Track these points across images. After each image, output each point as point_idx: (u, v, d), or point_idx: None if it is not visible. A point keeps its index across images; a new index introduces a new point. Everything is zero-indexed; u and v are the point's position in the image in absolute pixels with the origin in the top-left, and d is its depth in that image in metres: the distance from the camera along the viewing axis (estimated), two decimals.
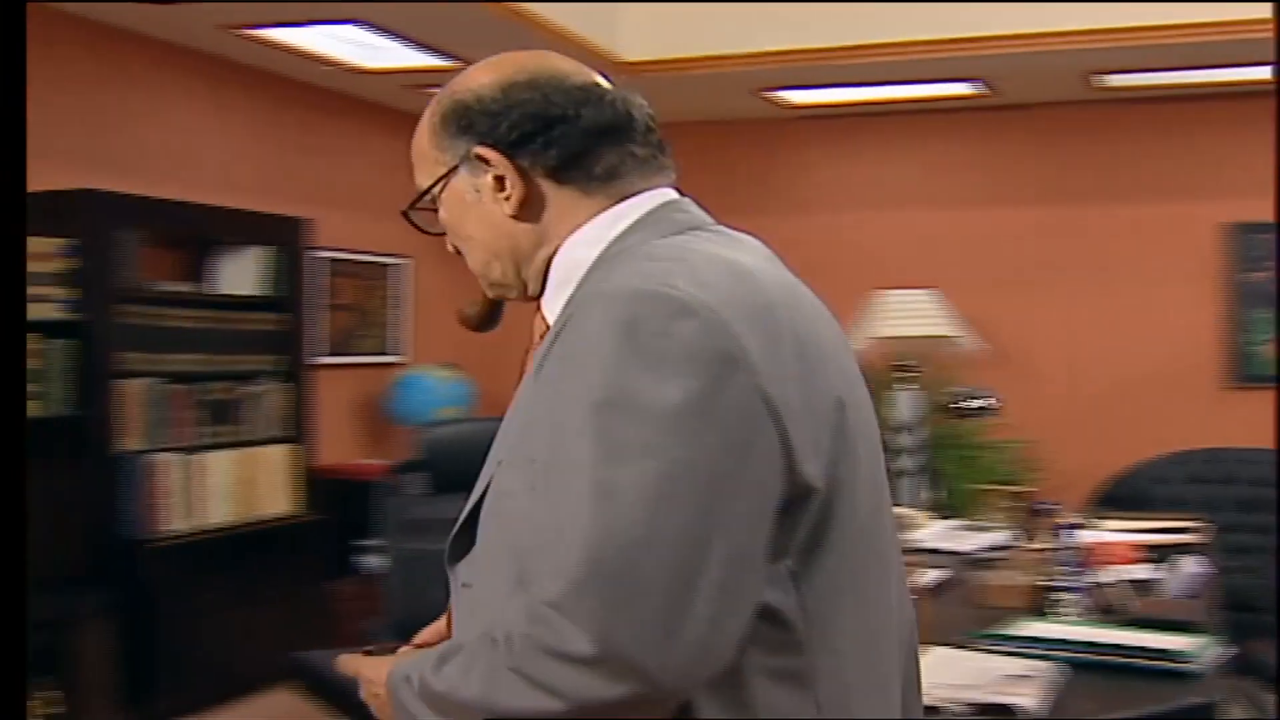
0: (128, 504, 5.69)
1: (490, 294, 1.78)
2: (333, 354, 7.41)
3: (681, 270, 1.50)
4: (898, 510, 5.12)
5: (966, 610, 3.44)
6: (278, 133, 7.10)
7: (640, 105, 1.69)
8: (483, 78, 1.70)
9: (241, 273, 6.46)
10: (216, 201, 6.36)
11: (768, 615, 1.45)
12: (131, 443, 5.75)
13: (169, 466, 5.86)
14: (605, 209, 1.64)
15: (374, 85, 7.12)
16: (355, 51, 6.53)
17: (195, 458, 6.00)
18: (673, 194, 1.71)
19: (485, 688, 1.44)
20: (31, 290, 5.34)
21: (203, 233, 6.45)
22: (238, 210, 6.42)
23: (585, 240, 1.63)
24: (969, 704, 2.37)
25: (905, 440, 6.85)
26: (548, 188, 1.64)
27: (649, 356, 1.41)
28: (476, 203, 1.68)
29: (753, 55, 6.69)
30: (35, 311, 5.37)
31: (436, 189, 1.72)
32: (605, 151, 1.64)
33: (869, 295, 7.16)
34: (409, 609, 4.10)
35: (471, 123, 1.66)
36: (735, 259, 1.57)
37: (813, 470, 1.47)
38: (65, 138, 5.90)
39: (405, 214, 1.79)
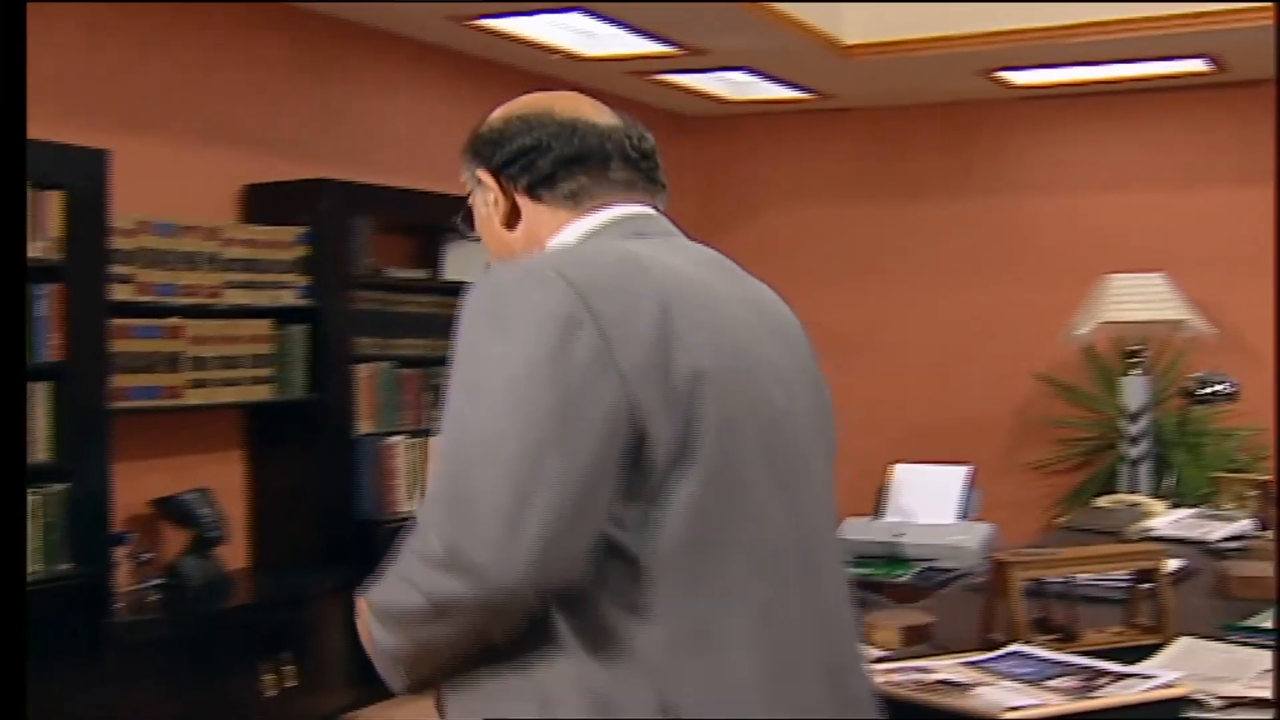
0: (361, 486, 5.84)
1: None
2: None
3: (568, 257, 1.85)
4: (1131, 498, 5.03)
5: (1211, 601, 3.34)
6: None
7: (625, 140, 2.03)
8: (496, 114, 2.09)
9: (470, 259, 6.57)
10: (446, 189, 6.47)
11: (621, 553, 1.72)
12: (365, 426, 5.89)
13: (400, 449, 6.00)
14: (577, 219, 1.99)
15: (596, 72, 7.17)
16: (577, 39, 6.59)
17: (425, 440, 6.14)
18: (636, 209, 2.01)
19: (388, 592, 1.86)
20: (268, 277, 5.51)
21: (432, 219, 6.57)
22: (466, 197, 6.53)
23: (559, 243, 1.97)
24: (1225, 697, 2.30)
25: (1133, 427, 6.70)
26: (525, 203, 2.01)
27: (505, 318, 1.74)
28: (487, 216, 2.06)
29: (978, 35, 6.59)
30: (272, 298, 5.54)
31: (469, 202, 2.12)
32: (576, 175, 1.99)
33: (1098, 279, 7.00)
34: None
35: (479, 151, 2.06)
36: (637, 253, 1.86)
37: (658, 428, 1.71)
38: (299, 129, 6.07)
39: (457, 223, 2.21)
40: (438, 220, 6.56)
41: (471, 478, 1.67)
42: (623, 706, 1.71)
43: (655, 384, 1.72)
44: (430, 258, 6.61)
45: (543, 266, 1.79)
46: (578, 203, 1.99)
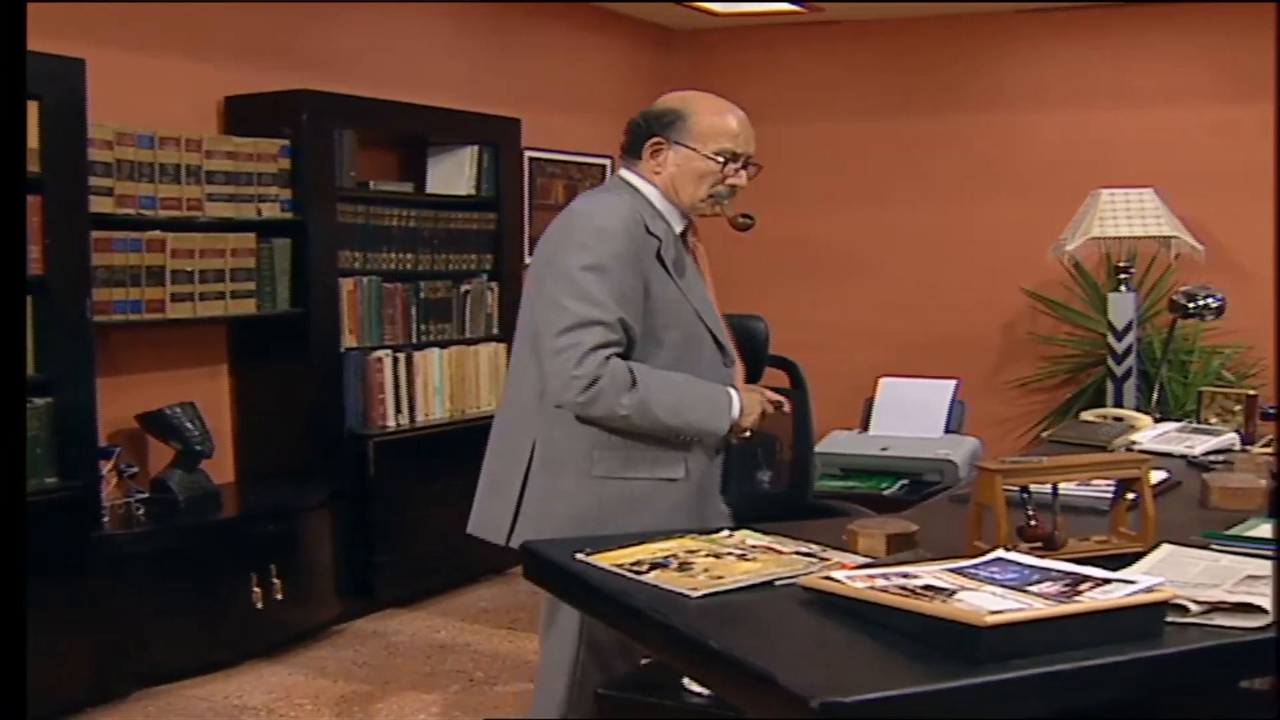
0: (347, 399, 5.82)
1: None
2: None
3: None
4: (1117, 411, 5.03)
5: (1194, 511, 3.36)
6: (487, 32, 7.12)
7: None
8: None
9: (455, 173, 6.53)
10: (430, 101, 6.42)
11: None
12: (349, 340, 5.87)
13: (386, 363, 5.98)
14: None
15: None
16: None
17: (411, 354, 6.12)
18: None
19: None
20: (251, 190, 5.47)
21: (417, 132, 6.52)
22: (453, 110, 6.47)
23: None
24: (1205, 602, 2.30)
25: (1120, 343, 6.69)
26: None
27: None
28: None
29: None
30: (255, 211, 5.50)
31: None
32: None
33: (1088, 194, 6.96)
34: None
35: None
36: None
37: None
38: (281, 39, 6.00)
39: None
40: (422, 133, 6.51)
41: None
42: None
43: None
44: (415, 171, 6.56)
45: None
46: None
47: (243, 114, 5.70)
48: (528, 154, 7.13)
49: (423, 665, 5.32)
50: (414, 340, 6.22)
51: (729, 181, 3.37)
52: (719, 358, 3.42)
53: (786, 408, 3.49)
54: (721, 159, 3.34)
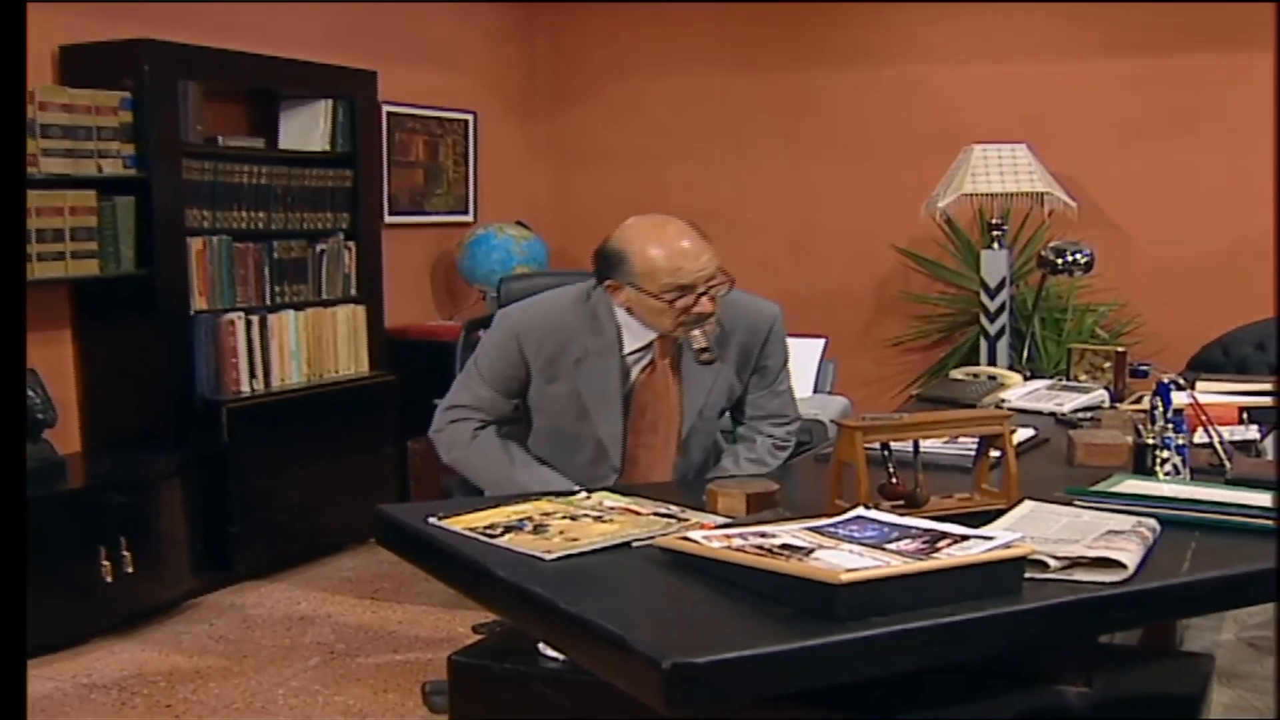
0: (198, 364, 5.67)
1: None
2: (403, 212, 7.29)
3: None
4: (988, 369, 5.00)
5: (1060, 468, 3.39)
6: None
7: None
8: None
9: (308, 127, 6.34)
10: (282, 52, 6.22)
11: None
12: (200, 302, 5.71)
13: (239, 326, 5.80)
14: None
15: None
16: None
17: (265, 317, 5.96)
18: None
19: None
20: (90, 145, 5.28)
21: (268, 85, 6.32)
22: (305, 62, 6.28)
23: None
24: (1064, 557, 2.28)
25: (993, 301, 6.68)
26: None
27: None
28: None
29: None
30: (96, 167, 5.29)
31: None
32: None
33: (959, 149, 6.92)
34: None
35: None
36: None
37: None
38: None
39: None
40: (273, 86, 6.32)
41: None
42: None
43: None
44: (266, 126, 6.37)
45: None
46: None
47: (79, 64, 5.47)
48: (386, 108, 6.96)
49: (282, 638, 5.18)
50: (268, 302, 6.03)
51: (694, 311, 3.34)
52: (604, 460, 3.55)
53: None
54: (670, 296, 3.31)
